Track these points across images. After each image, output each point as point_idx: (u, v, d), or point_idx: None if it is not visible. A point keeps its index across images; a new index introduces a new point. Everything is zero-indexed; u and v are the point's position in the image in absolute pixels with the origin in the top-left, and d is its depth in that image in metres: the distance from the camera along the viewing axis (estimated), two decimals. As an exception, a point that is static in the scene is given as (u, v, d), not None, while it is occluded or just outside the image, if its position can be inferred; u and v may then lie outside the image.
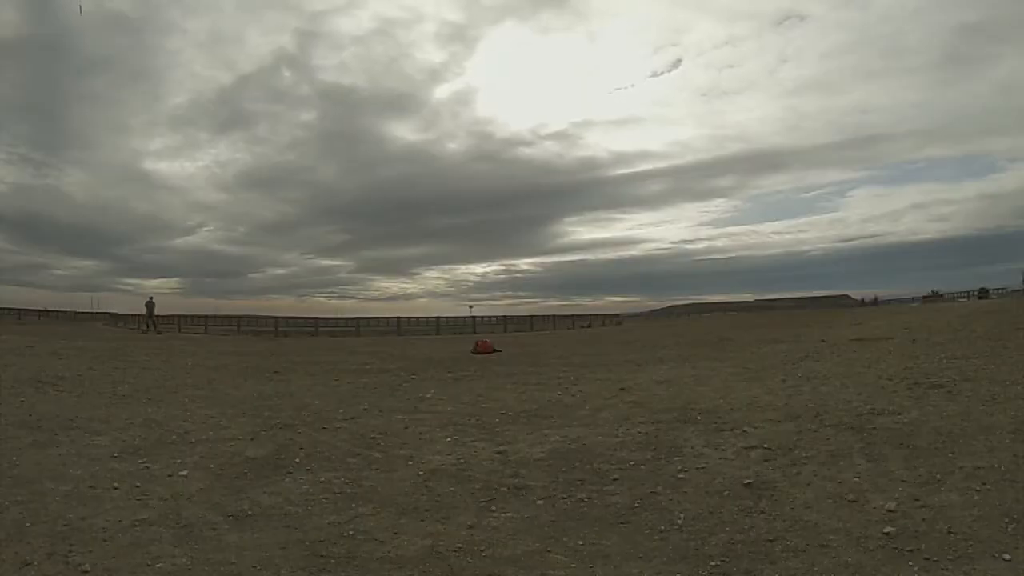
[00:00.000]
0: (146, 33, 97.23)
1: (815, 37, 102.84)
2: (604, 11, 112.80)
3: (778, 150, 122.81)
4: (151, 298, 27.93)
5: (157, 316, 27.88)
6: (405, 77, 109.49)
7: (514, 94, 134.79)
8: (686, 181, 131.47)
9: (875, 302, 51.85)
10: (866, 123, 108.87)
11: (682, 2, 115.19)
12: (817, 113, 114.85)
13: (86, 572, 2.70)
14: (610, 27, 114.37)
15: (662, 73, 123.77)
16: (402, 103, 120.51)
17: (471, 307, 53.36)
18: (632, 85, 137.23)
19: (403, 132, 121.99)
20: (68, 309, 49.22)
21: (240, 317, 35.52)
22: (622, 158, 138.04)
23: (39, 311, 44.92)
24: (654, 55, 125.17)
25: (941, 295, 47.23)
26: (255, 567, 2.81)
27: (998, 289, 43.12)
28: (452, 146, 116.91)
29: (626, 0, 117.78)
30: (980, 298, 40.19)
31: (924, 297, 47.70)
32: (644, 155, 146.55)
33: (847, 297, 62.32)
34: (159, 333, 24.87)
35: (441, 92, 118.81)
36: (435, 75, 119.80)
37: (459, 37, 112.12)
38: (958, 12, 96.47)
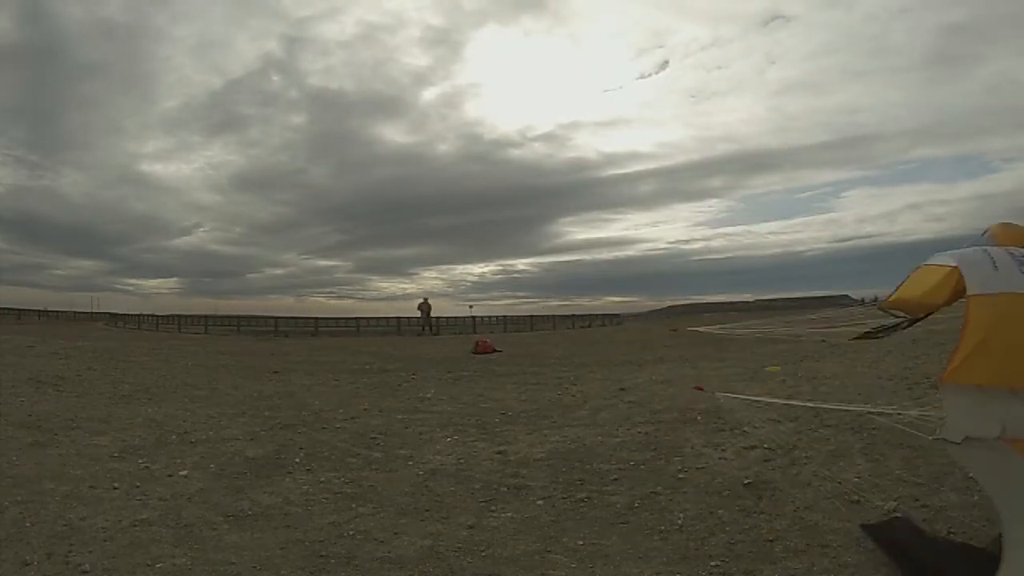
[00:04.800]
0: (137, 39, 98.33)
1: (801, 38, 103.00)
2: (583, 14, 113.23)
3: (768, 151, 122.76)
4: (426, 299, 27.23)
5: (433, 318, 27.21)
6: (392, 80, 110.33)
7: (501, 97, 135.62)
8: (677, 182, 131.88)
9: (875, 302, 51.81)
10: (855, 123, 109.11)
11: (664, 5, 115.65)
12: (806, 113, 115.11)
13: (86, 572, 2.70)
14: (592, 30, 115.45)
15: (650, 75, 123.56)
16: (390, 106, 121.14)
17: (471, 307, 53.19)
18: (620, 87, 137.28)
19: (393, 134, 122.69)
20: (68, 309, 49.35)
21: (239, 317, 35.53)
22: (612, 159, 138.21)
23: (39, 311, 44.99)
24: (641, 57, 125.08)
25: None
26: (255, 567, 2.81)
27: (998, 289, 43.04)
28: (442, 148, 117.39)
29: (606, 3, 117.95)
30: (980, 298, 40.10)
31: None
32: (634, 156, 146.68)
33: (847, 297, 62.41)
34: (436, 334, 23.92)
35: (428, 95, 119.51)
36: (421, 78, 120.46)
37: (443, 41, 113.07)
38: (943, 12, 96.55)
